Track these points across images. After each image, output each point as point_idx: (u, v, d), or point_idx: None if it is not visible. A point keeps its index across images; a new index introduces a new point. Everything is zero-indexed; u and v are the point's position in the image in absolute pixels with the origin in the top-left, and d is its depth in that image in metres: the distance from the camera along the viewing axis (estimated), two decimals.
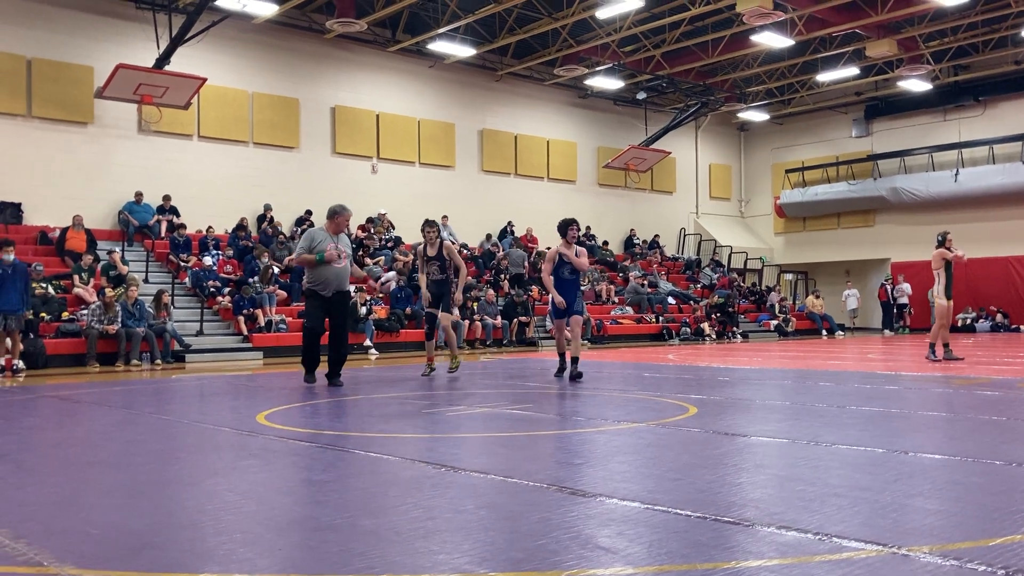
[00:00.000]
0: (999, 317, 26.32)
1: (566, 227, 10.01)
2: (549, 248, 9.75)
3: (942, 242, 12.67)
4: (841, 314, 28.62)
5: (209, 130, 20.20)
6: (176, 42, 17.57)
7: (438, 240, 10.48)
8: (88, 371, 13.42)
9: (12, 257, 12.36)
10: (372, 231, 21.67)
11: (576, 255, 9.91)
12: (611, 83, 25.46)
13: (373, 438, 5.65)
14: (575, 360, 9.90)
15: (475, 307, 19.55)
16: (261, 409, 7.32)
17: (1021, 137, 26.10)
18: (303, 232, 9.84)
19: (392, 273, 19.82)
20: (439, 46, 22.01)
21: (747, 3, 18.89)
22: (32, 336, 13.86)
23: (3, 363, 12.48)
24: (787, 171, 31.46)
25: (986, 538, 3.04)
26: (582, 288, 23.60)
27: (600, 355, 16.44)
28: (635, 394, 8.37)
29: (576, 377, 9.71)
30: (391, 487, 4.09)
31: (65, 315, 14.91)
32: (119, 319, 14.49)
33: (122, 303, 14.70)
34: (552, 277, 10.04)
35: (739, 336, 23.95)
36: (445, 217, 23.69)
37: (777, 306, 26.84)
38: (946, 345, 12.73)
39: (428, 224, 10.45)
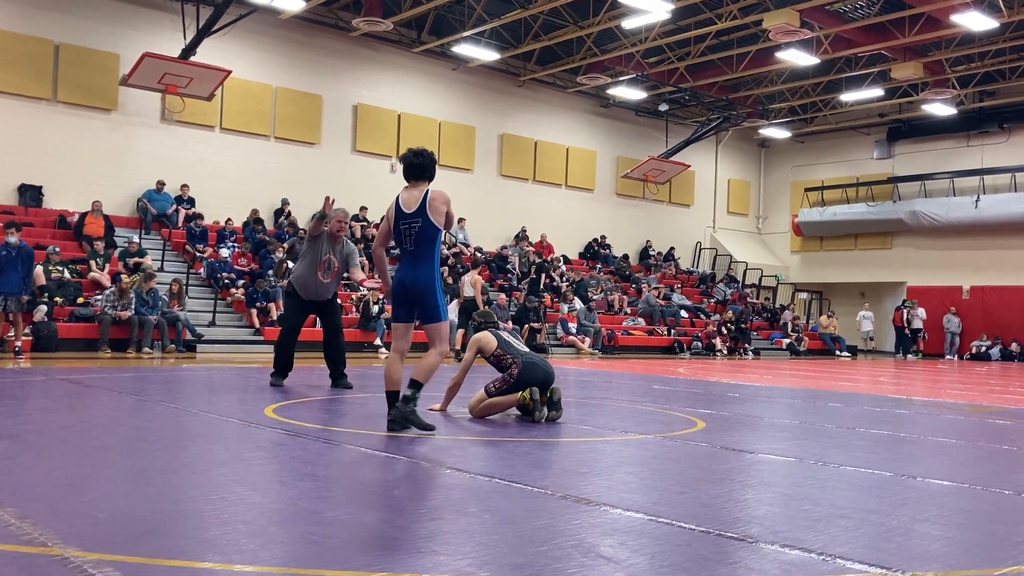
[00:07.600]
0: (1013, 346, 26.09)
1: None
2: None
3: None
4: (855, 336, 28.44)
5: (231, 122, 20.30)
6: (203, 33, 17.67)
7: None
8: (100, 356, 13.49)
9: (16, 239, 12.40)
10: None
11: None
12: (633, 93, 25.43)
13: (380, 436, 5.66)
14: None
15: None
16: (269, 402, 7.34)
17: None
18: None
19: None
20: (463, 49, 22.06)
21: (774, 20, 18.86)
22: (47, 319, 13.95)
23: (19, 345, 12.58)
24: (806, 189, 31.34)
25: (992, 567, 3.02)
26: (594, 297, 23.79)
27: (610, 365, 16.41)
28: (643, 406, 8.34)
29: None
30: (396, 485, 4.10)
31: (80, 300, 14.99)
32: (132, 306, 14.58)
33: (136, 290, 14.79)
34: None
35: (750, 353, 23.86)
36: (462, 220, 23.72)
37: (790, 325, 26.72)
38: None
39: None
